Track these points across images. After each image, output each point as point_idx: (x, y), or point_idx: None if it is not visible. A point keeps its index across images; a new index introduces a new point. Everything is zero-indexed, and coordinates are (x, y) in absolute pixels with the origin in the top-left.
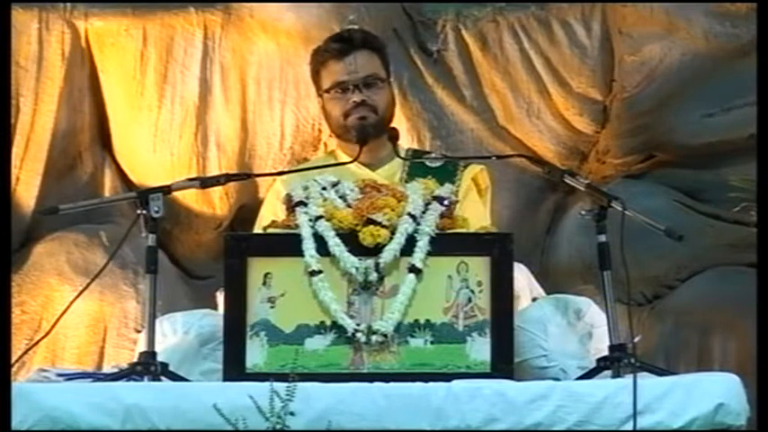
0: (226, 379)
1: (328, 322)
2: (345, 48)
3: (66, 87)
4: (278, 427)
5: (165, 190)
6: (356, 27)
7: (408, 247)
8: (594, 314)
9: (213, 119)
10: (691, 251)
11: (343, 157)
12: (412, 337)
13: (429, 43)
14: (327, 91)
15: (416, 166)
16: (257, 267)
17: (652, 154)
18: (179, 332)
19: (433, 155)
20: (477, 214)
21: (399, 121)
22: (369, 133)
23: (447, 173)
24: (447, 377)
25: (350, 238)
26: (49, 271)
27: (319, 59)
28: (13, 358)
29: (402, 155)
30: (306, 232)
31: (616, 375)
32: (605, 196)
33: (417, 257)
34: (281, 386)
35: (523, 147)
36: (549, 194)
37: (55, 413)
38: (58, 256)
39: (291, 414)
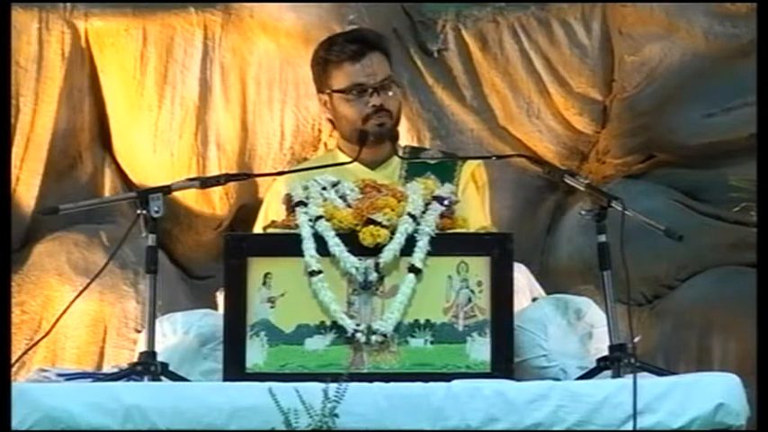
0: (226, 379)
1: (328, 322)
2: (361, 49)
3: (66, 87)
4: (323, 428)
5: (165, 190)
6: (359, 26)
7: (408, 247)
8: (594, 314)
9: (213, 119)
10: (691, 251)
11: (343, 157)
12: (412, 337)
13: (429, 43)
14: (342, 92)
15: (415, 162)
16: (257, 267)
17: (652, 154)
18: (179, 332)
19: (431, 152)
20: (475, 211)
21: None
22: (385, 139)
23: (446, 168)
24: (447, 377)
25: (350, 238)
26: (49, 271)
27: (333, 59)
28: (13, 358)
29: (400, 152)
30: (306, 232)
31: (616, 375)
32: (605, 196)
33: (417, 257)
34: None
35: (523, 147)
36: (549, 194)
37: (55, 413)
38: (57, 256)
39: (336, 416)
